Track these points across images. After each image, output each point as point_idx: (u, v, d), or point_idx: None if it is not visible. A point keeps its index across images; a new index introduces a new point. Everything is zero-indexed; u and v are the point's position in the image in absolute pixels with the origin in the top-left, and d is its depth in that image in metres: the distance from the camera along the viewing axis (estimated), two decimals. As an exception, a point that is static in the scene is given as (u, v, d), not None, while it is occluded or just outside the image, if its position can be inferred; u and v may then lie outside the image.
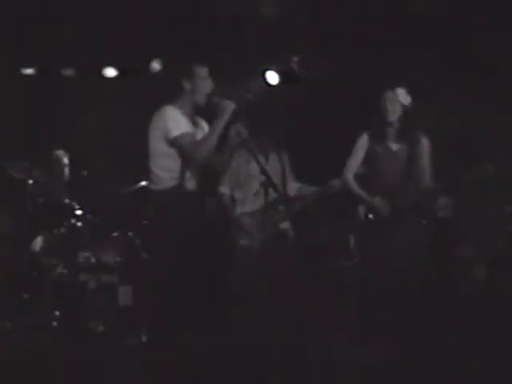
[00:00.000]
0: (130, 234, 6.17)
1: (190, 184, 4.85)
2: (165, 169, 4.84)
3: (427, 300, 5.43)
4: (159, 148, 4.85)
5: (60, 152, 6.45)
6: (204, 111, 4.96)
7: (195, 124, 4.94)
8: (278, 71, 7.18)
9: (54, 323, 5.66)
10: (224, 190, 6.04)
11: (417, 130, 5.37)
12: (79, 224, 6.01)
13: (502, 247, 6.56)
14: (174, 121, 4.79)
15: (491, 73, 6.65)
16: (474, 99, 6.71)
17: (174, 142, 4.78)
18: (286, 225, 6.05)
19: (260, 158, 5.97)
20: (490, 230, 6.70)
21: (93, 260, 5.95)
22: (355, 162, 5.44)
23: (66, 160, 6.44)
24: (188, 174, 4.83)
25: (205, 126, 5.03)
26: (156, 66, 7.38)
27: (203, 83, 4.87)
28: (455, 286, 6.45)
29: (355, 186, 5.43)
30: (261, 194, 5.56)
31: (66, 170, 6.44)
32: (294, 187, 6.16)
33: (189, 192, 4.84)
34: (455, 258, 6.66)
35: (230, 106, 4.79)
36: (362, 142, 5.42)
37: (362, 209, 5.38)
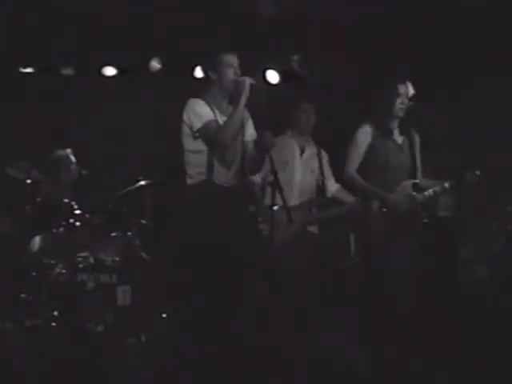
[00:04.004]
0: (130, 233, 6.17)
1: (219, 178, 4.79)
2: (193, 164, 4.83)
3: (428, 300, 5.42)
4: (187, 144, 4.84)
5: (68, 150, 6.45)
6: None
7: (225, 112, 4.85)
8: (278, 70, 7.19)
9: (53, 323, 5.64)
10: (256, 179, 5.84)
11: (414, 125, 5.30)
12: (78, 224, 6.00)
13: (503, 247, 6.56)
14: (196, 113, 4.76)
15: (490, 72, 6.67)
16: (472, 97, 6.73)
17: (199, 135, 4.76)
18: (313, 228, 5.93)
19: (295, 147, 5.95)
20: (491, 230, 6.70)
21: (92, 260, 5.94)
22: (357, 154, 5.23)
23: (73, 158, 6.45)
24: (216, 168, 4.78)
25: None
26: (156, 65, 7.38)
27: (228, 71, 4.81)
28: (456, 286, 6.45)
29: (362, 181, 5.21)
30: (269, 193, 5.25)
31: (74, 169, 6.44)
32: (334, 188, 5.98)
33: (217, 186, 4.79)
34: (456, 258, 6.66)
35: (246, 82, 4.73)
36: (364, 134, 5.24)
37: (375, 204, 5.18)
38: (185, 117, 4.80)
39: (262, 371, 4.61)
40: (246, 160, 4.95)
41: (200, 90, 4.91)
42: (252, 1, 6.67)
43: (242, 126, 4.87)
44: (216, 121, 4.78)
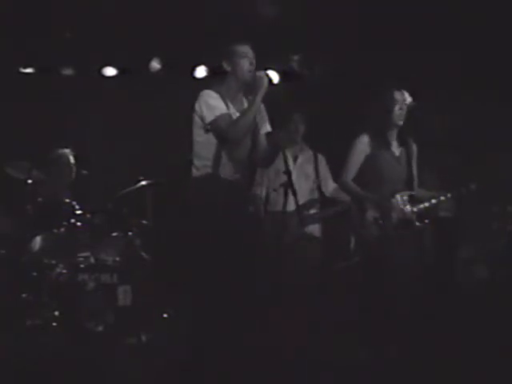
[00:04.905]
0: (130, 233, 6.17)
1: (224, 172, 4.72)
2: (200, 156, 4.76)
3: (428, 300, 5.42)
4: (196, 135, 4.76)
5: (67, 150, 6.44)
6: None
7: (239, 104, 4.79)
8: (278, 70, 7.19)
9: (54, 323, 5.64)
10: (257, 191, 6.01)
11: (412, 134, 5.30)
12: (79, 224, 6.00)
13: (503, 247, 6.56)
14: (208, 106, 4.67)
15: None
16: (472, 97, 6.74)
17: (210, 128, 4.67)
18: (312, 228, 6.06)
19: (288, 159, 6.00)
20: (491, 230, 6.70)
21: (92, 260, 5.94)
22: (355, 164, 5.21)
23: (71, 158, 6.44)
24: (223, 162, 4.71)
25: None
26: (156, 65, 7.39)
27: (243, 61, 4.73)
28: (456, 286, 6.45)
29: (357, 188, 5.21)
30: (281, 194, 5.25)
31: (73, 169, 6.43)
32: (331, 188, 6.16)
33: (222, 180, 4.72)
34: (456, 258, 6.66)
35: (264, 79, 4.65)
36: (362, 145, 5.21)
37: (370, 212, 5.18)
38: (197, 107, 4.72)
39: (262, 371, 4.61)
40: (257, 153, 4.88)
41: (213, 83, 4.83)
42: (252, 1, 6.67)
43: (254, 120, 4.79)
44: (229, 115, 4.69)
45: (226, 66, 4.80)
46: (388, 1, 6.51)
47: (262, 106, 4.85)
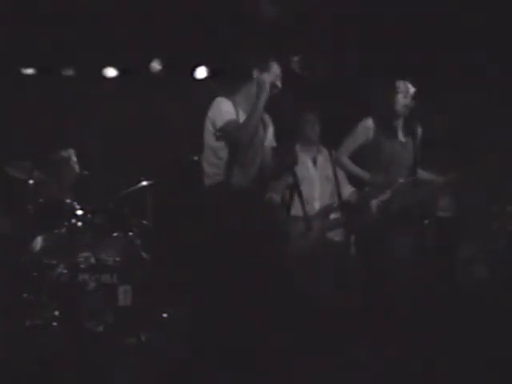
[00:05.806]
0: (131, 234, 6.17)
1: (236, 181, 4.76)
2: (211, 164, 4.79)
3: (428, 300, 5.42)
4: (207, 142, 4.79)
5: (69, 151, 6.45)
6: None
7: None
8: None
9: (54, 323, 5.65)
10: (272, 193, 5.97)
11: (418, 121, 5.30)
12: (79, 224, 6.00)
13: (503, 247, 6.56)
14: (219, 112, 4.72)
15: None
16: (473, 97, 6.74)
17: (220, 133, 4.71)
18: (333, 234, 5.97)
19: (306, 160, 5.97)
20: (491, 230, 6.70)
21: (93, 260, 5.94)
22: (352, 143, 5.27)
23: (73, 159, 6.45)
24: (235, 171, 4.74)
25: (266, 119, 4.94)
26: (157, 66, 7.40)
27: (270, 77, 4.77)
28: (456, 286, 6.45)
29: (351, 165, 5.28)
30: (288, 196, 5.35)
31: (74, 169, 6.44)
32: (348, 193, 5.97)
33: (234, 189, 4.75)
34: (456, 258, 6.66)
35: (266, 82, 4.69)
36: (365, 129, 5.24)
37: (374, 203, 5.23)
38: (210, 114, 4.77)
39: (262, 371, 4.61)
40: (264, 165, 4.91)
41: (229, 90, 4.87)
42: (252, 1, 6.68)
43: (264, 130, 4.85)
44: (236, 121, 4.72)
45: (255, 74, 4.79)
46: (388, 1, 6.52)
47: (268, 117, 4.89)
